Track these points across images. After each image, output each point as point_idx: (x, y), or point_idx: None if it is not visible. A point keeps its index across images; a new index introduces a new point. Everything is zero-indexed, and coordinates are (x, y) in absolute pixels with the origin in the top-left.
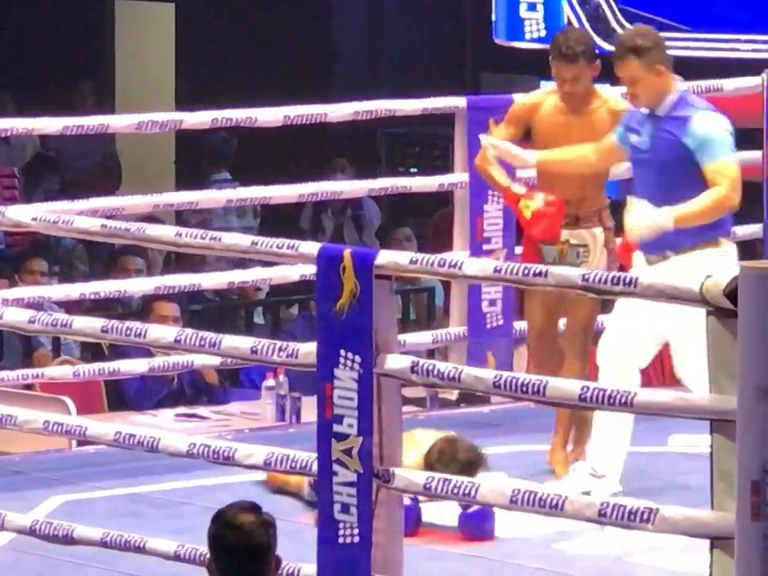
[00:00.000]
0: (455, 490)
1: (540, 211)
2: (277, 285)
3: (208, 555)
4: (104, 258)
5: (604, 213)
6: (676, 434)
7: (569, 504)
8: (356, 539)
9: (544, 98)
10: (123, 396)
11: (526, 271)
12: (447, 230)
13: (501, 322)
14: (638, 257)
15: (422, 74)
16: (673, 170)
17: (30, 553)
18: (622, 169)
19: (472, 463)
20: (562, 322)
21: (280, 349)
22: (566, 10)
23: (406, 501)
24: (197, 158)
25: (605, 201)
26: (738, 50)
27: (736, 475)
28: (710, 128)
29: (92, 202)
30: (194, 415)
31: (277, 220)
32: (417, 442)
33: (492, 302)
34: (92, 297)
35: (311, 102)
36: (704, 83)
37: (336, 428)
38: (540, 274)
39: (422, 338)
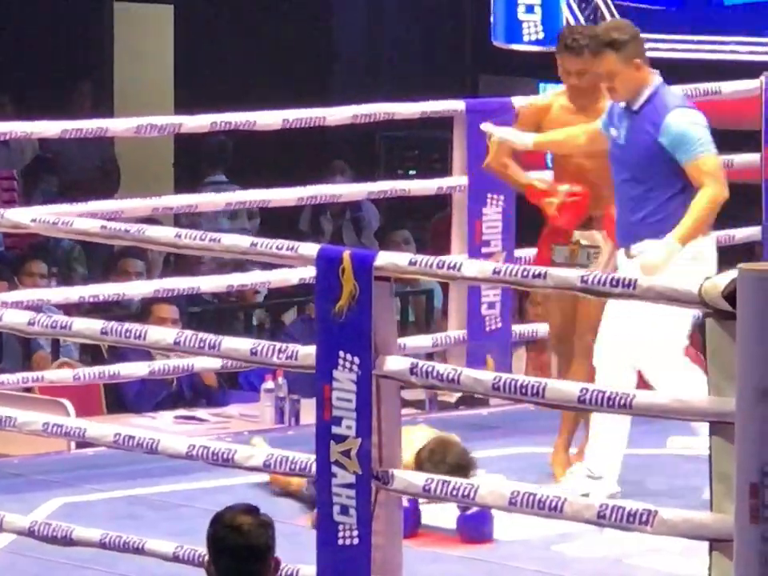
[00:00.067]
0: (454, 492)
1: (565, 204)
2: (275, 288)
3: (207, 556)
4: (102, 260)
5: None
6: (674, 436)
7: (568, 506)
8: (355, 541)
9: (553, 99)
10: (122, 398)
11: (525, 273)
12: (446, 232)
13: (500, 325)
14: (619, 253)
15: (421, 75)
16: (647, 168)
17: (27, 555)
18: None
19: (461, 467)
20: None
21: (279, 350)
22: (565, 12)
23: (405, 502)
24: (195, 161)
25: None
26: (737, 52)
27: (735, 477)
28: (684, 125)
29: (91, 204)
30: (192, 417)
31: (276, 222)
32: (410, 441)
33: (491, 305)
34: (91, 300)
35: (311, 102)
36: (702, 86)
37: (335, 430)
38: (539, 275)
39: (421, 341)
